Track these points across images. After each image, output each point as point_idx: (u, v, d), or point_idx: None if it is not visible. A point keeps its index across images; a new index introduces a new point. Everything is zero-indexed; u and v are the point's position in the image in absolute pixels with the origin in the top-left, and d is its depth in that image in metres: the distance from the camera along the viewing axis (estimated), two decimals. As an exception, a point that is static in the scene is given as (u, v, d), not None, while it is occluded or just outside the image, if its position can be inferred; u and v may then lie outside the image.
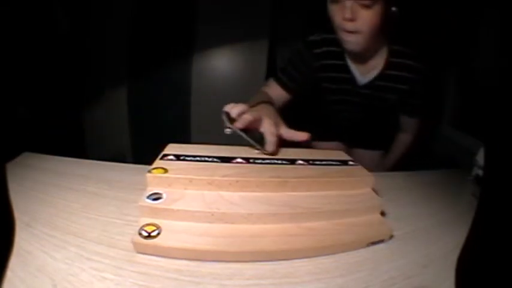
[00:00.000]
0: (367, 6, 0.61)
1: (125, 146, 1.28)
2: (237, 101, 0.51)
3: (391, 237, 0.44)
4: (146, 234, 0.37)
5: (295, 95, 0.86)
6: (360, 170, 0.50)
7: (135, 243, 0.36)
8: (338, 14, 0.65)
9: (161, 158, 0.46)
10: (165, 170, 0.42)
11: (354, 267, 0.37)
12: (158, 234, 0.37)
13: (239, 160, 0.47)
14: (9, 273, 0.29)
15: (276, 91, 0.85)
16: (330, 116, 0.93)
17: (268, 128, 0.51)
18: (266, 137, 0.51)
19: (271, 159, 0.48)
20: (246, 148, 0.52)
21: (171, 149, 0.49)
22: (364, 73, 0.79)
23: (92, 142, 1.35)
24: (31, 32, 1.01)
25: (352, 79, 0.80)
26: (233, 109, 0.49)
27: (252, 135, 0.51)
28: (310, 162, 0.49)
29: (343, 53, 0.77)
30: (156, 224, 0.38)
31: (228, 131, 0.49)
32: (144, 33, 1.34)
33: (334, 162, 0.51)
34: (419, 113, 0.86)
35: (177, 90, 1.31)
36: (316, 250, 0.39)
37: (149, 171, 0.42)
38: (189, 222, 0.39)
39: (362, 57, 0.76)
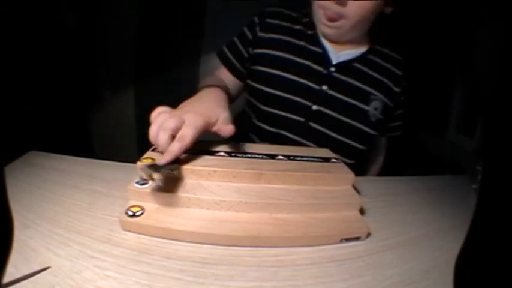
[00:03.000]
0: None
1: (131, 146, 1.37)
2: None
3: (368, 235, 0.45)
4: (131, 213, 0.42)
5: (244, 80, 0.68)
6: (340, 167, 0.51)
7: (121, 221, 0.41)
8: (319, 1, 0.56)
9: (152, 150, 0.51)
10: (153, 160, 0.47)
11: (357, 271, 0.38)
12: (141, 214, 0.42)
13: (221, 154, 0.50)
14: (13, 270, 0.33)
15: (224, 74, 0.68)
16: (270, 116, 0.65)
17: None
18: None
19: (252, 154, 0.51)
20: (232, 144, 0.56)
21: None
22: (340, 49, 0.62)
23: (99, 142, 1.41)
24: (38, 31, 1.04)
25: (323, 55, 0.61)
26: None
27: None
28: (291, 157, 0.51)
29: (309, 29, 0.63)
30: (141, 206, 0.43)
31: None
32: (152, 34, 1.39)
33: (315, 159, 0.52)
34: (396, 133, 0.74)
35: (184, 91, 1.38)
36: (283, 240, 0.41)
37: (140, 161, 0.47)
38: (169, 205, 0.43)
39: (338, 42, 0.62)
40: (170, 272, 0.35)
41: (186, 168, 0.45)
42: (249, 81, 0.66)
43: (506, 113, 0.25)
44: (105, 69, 1.42)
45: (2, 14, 0.89)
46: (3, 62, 0.86)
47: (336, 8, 0.54)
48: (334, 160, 0.53)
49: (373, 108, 0.62)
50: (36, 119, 1.04)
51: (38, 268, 0.34)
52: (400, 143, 0.91)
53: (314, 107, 0.61)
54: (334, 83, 0.61)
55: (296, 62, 0.61)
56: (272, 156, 0.51)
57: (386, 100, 0.63)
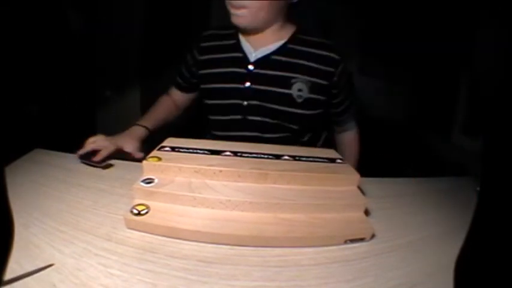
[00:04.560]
0: None
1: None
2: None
3: (373, 236, 0.45)
4: (136, 212, 0.42)
5: (193, 92, 0.82)
6: (345, 168, 0.51)
7: (126, 220, 0.41)
8: None
9: (159, 149, 0.51)
10: (159, 159, 0.47)
11: (361, 273, 0.38)
12: (147, 212, 0.42)
13: (227, 153, 0.50)
14: (17, 266, 0.33)
15: (174, 92, 0.84)
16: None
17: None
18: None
19: (258, 154, 0.51)
20: (238, 143, 0.56)
21: (169, 142, 0.55)
22: (259, 47, 0.70)
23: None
24: (44, 31, 1.05)
25: (243, 57, 0.70)
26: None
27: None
28: (296, 158, 0.51)
29: (234, 42, 0.72)
30: (146, 204, 0.43)
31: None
32: (157, 33, 1.40)
33: (321, 160, 0.52)
34: (348, 109, 0.78)
35: None
36: (288, 240, 0.41)
37: (146, 159, 0.47)
38: (174, 204, 0.43)
39: (255, 33, 0.69)
40: (174, 271, 0.35)
41: (192, 167, 0.45)
42: (203, 99, 0.78)
43: (507, 114, 0.25)
44: (111, 68, 1.43)
45: (7, 14, 0.89)
46: (9, 60, 0.86)
47: (237, 1, 0.63)
48: (339, 161, 0.53)
49: (296, 89, 0.68)
50: (41, 117, 1.05)
51: (41, 265, 0.34)
52: (402, 142, 0.90)
53: (245, 103, 0.69)
54: (255, 78, 0.69)
55: (223, 72, 0.71)
56: (277, 157, 0.51)
57: (315, 80, 0.68)
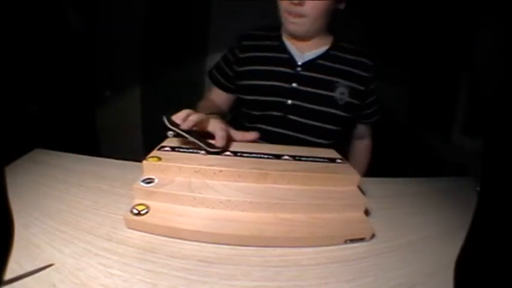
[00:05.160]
0: None
1: (137, 145, 1.38)
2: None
3: (373, 236, 0.45)
4: (136, 212, 0.42)
5: (233, 93, 0.83)
6: (346, 168, 0.51)
7: (126, 220, 0.41)
8: None
9: (159, 149, 0.51)
10: (159, 159, 0.47)
11: (361, 273, 0.38)
12: (146, 212, 0.42)
13: (228, 153, 0.50)
14: (17, 266, 0.33)
15: (216, 93, 0.84)
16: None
17: (217, 125, 0.54)
18: (216, 133, 0.52)
19: (258, 154, 0.51)
20: (237, 143, 0.56)
21: (169, 142, 0.55)
22: (304, 51, 0.74)
23: (105, 140, 1.42)
24: (44, 31, 1.05)
25: (290, 59, 0.73)
26: (178, 115, 0.52)
27: (196, 136, 0.51)
28: (297, 157, 0.51)
29: (279, 44, 0.76)
30: (146, 204, 0.43)
31: (170, 133, 0.50)
32: (157, 33, 1.40)
33: (321, 159, 0.52)
34: (375, 120, 0.84)
35: (189, 90, 1.39)
36: (288, 240, 0.41)
37: (146, 159, 0.47)
38: (175, 204, 0.43)
39: (305, 39, 0.74)
40: (174, 271, 0.35)
41: (192, 167, 0.45)
42: (239, 95, 0.80)
43: (507, 114, 0.25)
44: (111, 68, 1.43)
45: (7, 14, 0.89)
46: (9, 60, 0.86)
47: (297, 9, 0.66)
48: (339, 161, 0.53)
49: (339, 93, 0.72)
50: (41, 117, 1.05)
51: (41, 265, 0.34)
52: (402, 142, 0.91)
53: (289, 102, 0.73)
54: (302, 80, 0.72)
55: (270, 70, 0.74)
56: (278, 156, 0.51)
57: (354, 85, 0.74)
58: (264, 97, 0.73)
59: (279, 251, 0.40)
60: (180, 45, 1.40)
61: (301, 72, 0.72)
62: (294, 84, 0.72)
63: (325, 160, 0.52)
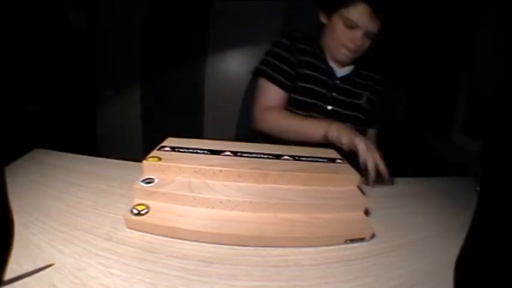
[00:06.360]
0: (371, 38, 0.77)
1: (137, 145, 1.38)
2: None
3: (373, 236, 0.45)
4: (136, 212, 0.42)
5: (289, 92, 0.85)
6: (345, 168, 0.51)
7: (126, 220, 0.41)
8: (348, 37, 0.77)
9: (159, 149, 0.51)
10: (159, 159, 0.47)
11: (361, 273, 0.38)
12: (147, 212, 0.42)
13: (227, 153, 0.50)
14: (17, 266, 0.33)
15: (275, 93, 0.83)
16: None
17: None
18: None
19: (258, 154, 0.51)
20: (237, 143, 0.56)
21: (169, 142, 0.55)
22: (341, 67, 0.88)
23: (105, 140, 1.42)
24: (44, 31, 1.06)
25: (331, 72, 0.86)
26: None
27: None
28: (296, 158, 0.51)
29: (319, 52, 0.86)
30: (146, 204, 0.43)
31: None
32: (157, 34, 1.40)
33: (320, 159, 0.52)
34: (380, 125, 0.96)
35: (189, 91, 1.39)
36: (288, 240, 0.41)
37: (146, 159, 0.47)
38: (175, 204, 0.43)
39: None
40: (174, 271, 0.35)
41: (192, 167, 0.45)
42: (291, 94, 0.88)
43: (507, 114, 0.25)
44: (111, 68, 1.43)
45: (7, 14, 0.89)
46: (9, 60, 0.86)
47: (357, 48, 0.78)
48: (339, 161, 0.53)
49: (363, 101, 0.89)
50: (41, 117, 1.05)
51: (41, 265, 0.34)
52: (402, 142, 0.92)
53: (329, 107, 0.85)
54: (340, 91, 0.86)
55: (316, 76, 0.84)
56: (277, 157, 0.51)
57: (371, 96, 0.90)
58: (310, 99, 0.84)
59: (279, 251, 0.40)
60: (180, 45, 1.40)
61: (340, 85, 0.85)
62: (334, 94, 0.85)
63: (325, 160, 0.52)
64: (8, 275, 0.26)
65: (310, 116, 0.84)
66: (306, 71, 0.84)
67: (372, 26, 0.74)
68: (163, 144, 0.54)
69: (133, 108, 1.43)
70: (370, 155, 0.59)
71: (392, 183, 0.64)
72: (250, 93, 0.93)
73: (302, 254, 0.40)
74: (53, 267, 0.34)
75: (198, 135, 1.40)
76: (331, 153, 0.56)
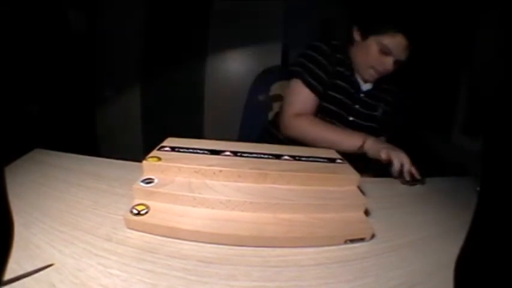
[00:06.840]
0: (399, 64, 0.81)
1: (137, 145, 1.38)
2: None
3: (373, 236, 0.45)
4: (136, 212, 0.42)
5: (320, 98, 0.88)
6: (345, 168, 0.51)
7: (126, 220, 0.41)
8: (380, 61, 0.80)
9: (158, 149, 0.51)
10: (159, 159, 0.47)
11: (361, 273, 0.38)
12: (146, 212, 0.42)
13: (227, 153, 0.50)
14: (16, 266, 0.33)
15: (307, 97, 0.85)
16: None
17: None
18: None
19: (258, 154, 0.51)
20: (237, 143, 0.56)
21: (169, 142, 0.55)
22: (364, 82, 0.92)
23: (104, 140, 1.43)
24: (44, 30, 1.05)
25: (357, 85, 0.90)
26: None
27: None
28: (296, 158, 0.51)
29: (350, 63, 0.88)
30: (146, 204, 0.43)
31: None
32: (157, 33, 1.40)
33: (320, 160, 0.52)
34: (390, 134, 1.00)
35: (189, 91, 1.39)
36: (288, 240, 0.41)
37: (146, 159, 0.47)
38: (174, 204, 0.43)
39: None
40: (174, 271, 0.35)
41: (192, 167, 0.45)
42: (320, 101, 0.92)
43: (507, 114, 0.25)
44: (111, 68, 1.43)
45: (7, 14, 0.89)
46: (10, 60, 0.86)
47: (384, 72, 0.82)
48: (339, 161, 0.53)
49: (379, 113, 0.94)
50: (41, 117, 1.05)
51: (41, 265, 0.34)
52: (402, 142, 0.93)
53: (350, 118, 0.89)
54: (363, 104, 0.90)
55: (345, 87, 0.87)
56: (277, 157, 0.51)
57: (385, 108, 0.95)
58: (336, 108, 0.87)
59: (278, 251, 0.40)
60: (180, 45, 1.40)
61: (363, 98, 0.89)
62: (357, 106, 0.89)
63: (325, 160, 0.52)
64: (8, 275, 0.26)
65: (332, 123, 0.87)
66: (338, 81, 0.87)
67: (404, 55, 0.79)
68: (163, 144, 0.53)
69: (133, 108, 1.44)
70: (405, 169, 0.67)
71: (424, 183, 0.68)
72: (255, 93, 0.95)
73: (302, 254, 0.40)
74: (52, 267, 0.34)
75: (198, 135, 1.41)
76: (331, 153, 0.56)
